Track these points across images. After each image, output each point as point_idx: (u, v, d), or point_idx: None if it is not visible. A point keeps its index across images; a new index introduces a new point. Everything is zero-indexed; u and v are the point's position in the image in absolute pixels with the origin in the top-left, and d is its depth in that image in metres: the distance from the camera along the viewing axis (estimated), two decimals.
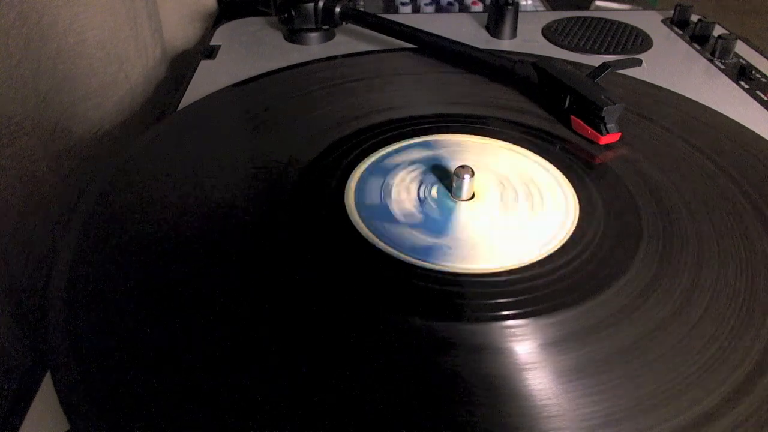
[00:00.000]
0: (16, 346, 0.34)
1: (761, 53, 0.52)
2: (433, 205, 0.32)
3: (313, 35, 0.54)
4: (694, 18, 0.57)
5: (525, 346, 0.25)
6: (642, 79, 0.46)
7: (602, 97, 0.37)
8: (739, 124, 0.40)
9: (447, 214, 0.32)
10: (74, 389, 0.23)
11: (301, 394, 0.23)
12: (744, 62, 0.51)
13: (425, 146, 0.37)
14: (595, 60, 0.46)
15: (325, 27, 0.54)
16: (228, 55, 0.52)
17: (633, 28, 0.57)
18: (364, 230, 0.30)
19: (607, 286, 0.27)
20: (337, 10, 0.52)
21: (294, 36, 0.54)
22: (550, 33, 0.56)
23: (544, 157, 0.36)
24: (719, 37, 0.51)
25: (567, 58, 0.48)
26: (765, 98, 0.45)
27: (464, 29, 0.57)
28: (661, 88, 0.45)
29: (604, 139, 0.37)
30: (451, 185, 0.33)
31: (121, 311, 0.26)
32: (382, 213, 0.32)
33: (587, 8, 0.71)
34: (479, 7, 0.67)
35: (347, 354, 0.24)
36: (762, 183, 0.34)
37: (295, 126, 0.39)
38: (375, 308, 0.26)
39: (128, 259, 0.29)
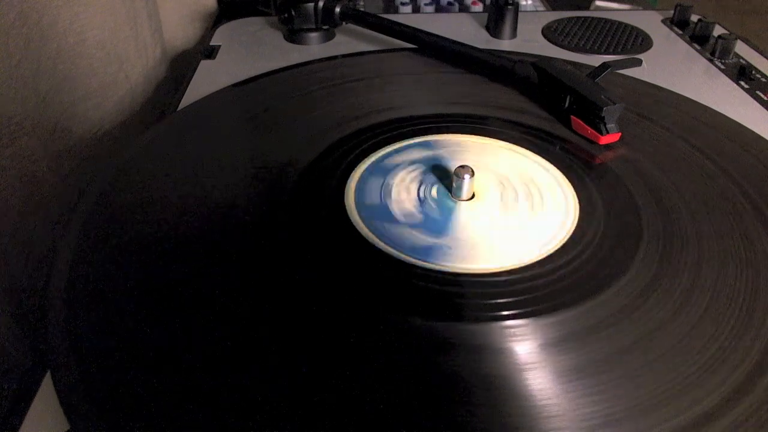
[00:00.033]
0: (16, 346, 0.34)
1: (761, 53, 0.52)
2: (433, 205, 0.32)
3: (313, 35, 0.54)
4: (694, 18, 0.57)
5: (525, 346, 0.25)
6: (642, 79, 0.46)
7: (602, 97, 0.37)
8: (739, 124, 0.40)
9: (447, 214, 0.32)
10: (74, 389, 0.23)
11: (301, 394, 0.23)
12: (744, 62, 0.51)
13: (425, 146, 0.37)
14: (595, 60, 0.46)
15: (325, 27, 0.54)
16: (228, 55, 0.52)
17: (633, 28, 0.57)
18: (364, 230, 0.30)
19: (607, 286, 0.27)
20: (337, 10, 0.52)
21: (294, 36, 0.54)
22: (550, 33, 0.56)
23: (544, 157, 0.36)
24: (719, 37, 0.51)
25: (567, 58, 0.48)
26: (765, 98, 0.45)
27: (464, 29, 0.57)
28: (661, 88, 0.45)
29: (604, 139, 0.37)
30: (451, 185, 0.33)
31: (121, 311, 0.26)
32: (382, 213, 0.32)
33: (587, 8, 0.71)
34: (479, 7, 0.67)
35: (347, 354, 0.24)
36: (762, 183, 0.34)
37: (295, 126, 0.39)
38: (375, 308, 0.26)
39: (128, 259, 0.29)
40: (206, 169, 0.35)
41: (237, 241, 0.30)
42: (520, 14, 0.56)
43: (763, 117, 0.43)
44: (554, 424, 0.22)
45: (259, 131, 0.39)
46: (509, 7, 0.55)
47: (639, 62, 0.44)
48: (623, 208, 0.32)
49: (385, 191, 0.33)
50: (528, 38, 0.56)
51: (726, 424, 0.22)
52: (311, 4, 0.52)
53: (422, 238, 0.30)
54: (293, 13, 0.52)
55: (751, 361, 0.24)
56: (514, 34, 0.56)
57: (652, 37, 0.56)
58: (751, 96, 0.45)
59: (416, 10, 0.67)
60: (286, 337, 0.25)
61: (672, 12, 0.60)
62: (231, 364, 0.24)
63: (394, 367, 0.24)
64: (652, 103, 0.43)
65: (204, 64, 0.50)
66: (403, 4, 0.67)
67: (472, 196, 0.33)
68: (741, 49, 0.53)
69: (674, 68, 0.50)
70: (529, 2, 0.70)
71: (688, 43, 0.55)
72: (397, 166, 0.35)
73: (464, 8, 0.68)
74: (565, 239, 0.30)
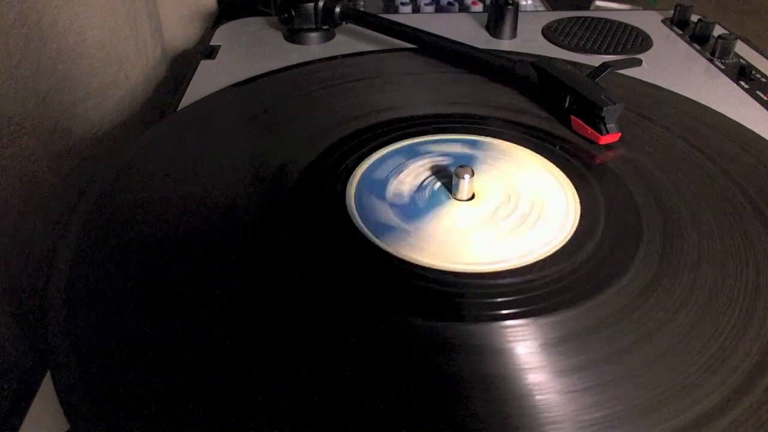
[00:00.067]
0: (16, 346, 0.34)
1: (761, 53, 0.52)
2: (426, 196, 0.33)
3: (313, 35, 0.54)
4: (694, 18, 0.57)
5: (525, 347, 0.25)
6: (642, 79, 0.46)
7: (602, 97, 0.37)
8: (739, 124, 0.40)
9: (432, 206, 0.32)
10: (74, 389, 0.23)
11: (301, 394, 0.23)
12: (744, 62, 0.51)
13: (469, 144, 0.37)
14: (595, 60, 0.46)
15: (325, 27, 0.54)
16: (228, 55, 0.52)
17: (633, 28, 0.57)
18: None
19: (607, 286, 0.27)
20: (337, 10, 0.52)
21: (294, 36, 0.54)
22: (550, 33, 0.56)
23: (561, 169, 0.35)
24: (719, 37, 0.51)
25: (567, 58, 0.48)
26: (765, 98, 0.45)
27: (464, 29, 0.57)
28: (661, 88, 0.45)
29: (604, 139, 0.37)
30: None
31: (121, 311, 0.26)
32: (377, 186, 0.32)
33: (587, 8, 0.71)
34: (479, 7, 0.67)
35: (347, 354, 0.24)
36: (762, 183, 0.34)
37: (295, 126, 0.39)
38: (375, 308, 0.26)
39: (128, 259, 0.29)
40: (206, 169, 0.35)
41: (237, 241, 0.30)
42: (520, 14, 0.56)
43: (763, 117, 0.43)
44: (554, 424, 0.22)
45: (259, 131, 0.39)
46: (509, 7, 0.55)
47: (639, 62, 0.44)
48: (623, 208, 0.32)
49: (398, 170, 0.34)
50: (528, 38, 0.56)
51: (726, 424, 0.22)
52: (311, 4, 0.52)
53: (391, 218, 0.31)
54: (293, 13, 0.52)
55: (751, 361, 0.24)
56: (514, 34, 0.56)
57: (652, 37, 0.56)
58: (751, 96, 0.45)
59: (416, 10, 0.67)
60: (286, 337, 0.25)
61: (672, 12, 0.60)
62: (231, 364, 0.24)
63: (394, 367, 0.24)
64: (652, 103, 0.43)
65: (204, 64, 0.50)
66: (403, 4, 0.67)
67: (472, 197, 0.33)
68: (741, 49, 0.53)
69: (674, 68, 0.50)
70: (529, 2, 0.70)
71: (688, 43, 0.55)
72: (428, 153, 0.36)
73: (464, 8, 0.68)
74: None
